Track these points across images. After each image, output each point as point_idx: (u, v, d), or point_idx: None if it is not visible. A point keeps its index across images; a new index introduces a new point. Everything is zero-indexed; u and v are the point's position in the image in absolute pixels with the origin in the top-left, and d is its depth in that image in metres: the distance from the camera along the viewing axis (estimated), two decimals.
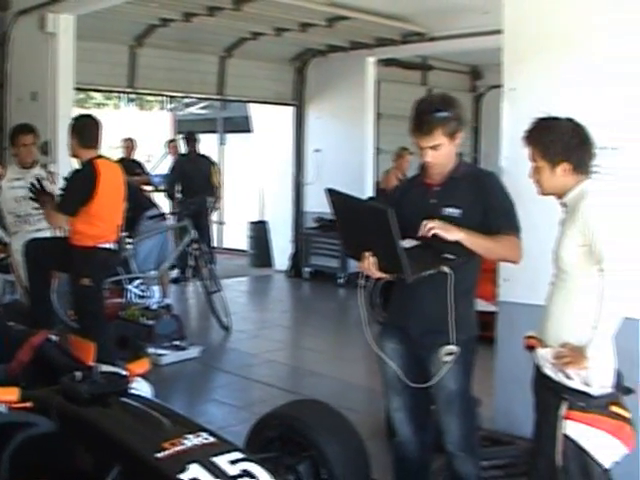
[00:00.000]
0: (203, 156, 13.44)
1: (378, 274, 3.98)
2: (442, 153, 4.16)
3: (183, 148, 13.51)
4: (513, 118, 5.54)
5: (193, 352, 8.61)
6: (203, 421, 4.46)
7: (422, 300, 4.18)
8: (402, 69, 14.65)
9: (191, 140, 13.31)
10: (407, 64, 14.69)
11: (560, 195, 3.81)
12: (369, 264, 3.93)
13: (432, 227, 3.95)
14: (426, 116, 4.10)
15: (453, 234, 3.97)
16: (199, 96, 15.53)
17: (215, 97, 14.19)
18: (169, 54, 12.30)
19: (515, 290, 5.63)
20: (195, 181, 12.75)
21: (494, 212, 4.16)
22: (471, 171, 4.38)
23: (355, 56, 13.14)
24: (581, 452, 3.60)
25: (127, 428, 3.69)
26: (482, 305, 6.71)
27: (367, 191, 12.82)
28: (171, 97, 17.71)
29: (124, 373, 4.11)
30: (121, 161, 11.91)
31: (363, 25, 11.57)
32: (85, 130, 6.82)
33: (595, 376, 3.62)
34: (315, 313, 11.89)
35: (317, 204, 12.83)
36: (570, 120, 3.81)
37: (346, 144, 13.31)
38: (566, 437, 3.62)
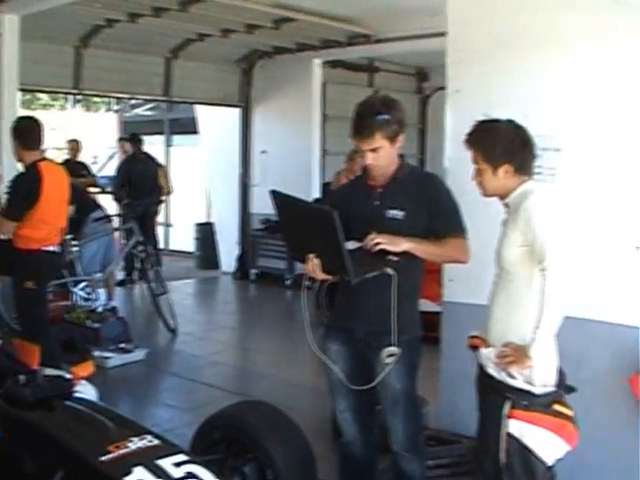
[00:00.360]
0: (150, 158, 13.37)
1: (322, 276, 3.98)
2: (382, 156, 4.16)
3: (128, 149, 13.41)
4: (457, 120, 5.55)
5: (139, 355, 8.57)
6: (149, 424, 4.44)
7: (366, 301, 4.19)
8: (348, 71, 14.65)
9: (135, 141, 13.23)
10: (353, 66, 14.69)
11: (503, 196, 3.84)
12: (313, 266, 3.93)
13: (378, 242, 3.97)
14: (366, 119, 4.10)
15: (400, 246, 4.00)
16: (145, 97, 15.40)
17: (161, 98, 14.09)
18: (115, 55, 12.18)
19: (460, 290, 5.67)
20: (143, 183, 12.68)
21: (440, 215, 4.20)
22: (414, 173, 4.40)
23: (301, 57, 13.16)
24: (524, 450, 3.64)
25: (71, 432, 3.67)
26: (428, 305, 6.78)
27: (314, 192, 12.80)
28: (117, 98, 17.56)
29: (68, 376, 4.09)
30: (66, 163, 11.87)
31: (309, 27, 11.58)
32: (26, 132, 6.75)
33: (538, 375, 3.65)
34: (262, 315, 11.87)
35: (263, 205, 12.75)
36: (511, 122, 3.85)
37: (292, 145, 13.32)
38: (509, 435, 3.65)
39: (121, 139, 14.62)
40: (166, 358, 9.13)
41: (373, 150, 4.14)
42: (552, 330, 3.56)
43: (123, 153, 13.73)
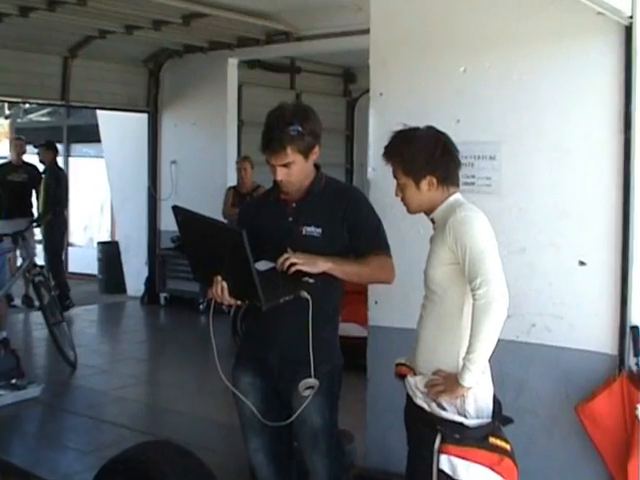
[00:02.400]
0: (61, 169, 13.34)
1: (230, 300, 3.92)
2: (295, 171, 4.13)
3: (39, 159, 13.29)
4: (380, 126, 5.54)
5: (33, 391, 8.42)
6: (45, 469, 4.40)
7: (280, 328, 4.16)
8: (267, 71, 14.72)
9: (50, 151, 13.13)
10: (273, 66, 14.77)
11: (429, 211, 3.87)
12: (220, 289, 3.88)
13: (293, 263, 3.94)
14: (276, 132, 4.05)
15: (319, 266, 3.98)
16: (40, 101, 15.17)
17: (58, 103, 13.88)
18: (4, 54, 11.97)
19: (386, 313, 5.68)
20: (66, 197, 12.76)
21: (360, 231, 4.19)
22: (332, 185, 4.36)
23: (215, 57, 13.13)
24: None
25: None
26: (356, 330, 6.81)
27: None
28: (8, 102, 17.32)
29: None
30: None
31: (223, 23, 11.54)
32: None
33: (470, 405, 3.68)
34: (173, 343, 11.81)
35: (174, 222, 12.68)
36: (430, 129, 3.88)
37: (206, 155, 13.29)
38: (441, 472, 3.65)
39: (36, 145, 14.44)
40: (64, 395, 9.00)
41: (285, 165, 4.10)
42: (485, 355, 3.58)
43: (19, 153, 13.45)
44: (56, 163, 13.46)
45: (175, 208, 3.99)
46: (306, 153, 4.12)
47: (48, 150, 13.24)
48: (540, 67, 5.08)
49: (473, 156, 5.07)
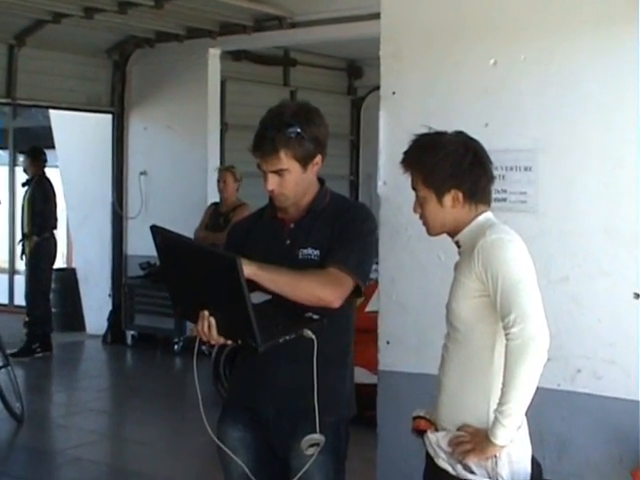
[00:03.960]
0: (49, 181, 13.42)
1: (219, 339, 3.89)
2: (289, 182, 4.12)
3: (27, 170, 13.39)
4: (393, 131, 5.57)
5: None
6: None
7: (276, 372, 4.16)
8: (256, 64, 14.78)
9: (37, 161, 13.16)
10: (263, 58, 14.82)
11: (453, 232, 3.87)
12: (207, 326, 3.84)
13: None
14: (270, 131, 4.06)
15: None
16: None
17: (2, 100, 13.83)
18: None
19: (400, 355, 5.66)
20: (47, 215, 12.97)
21: (334, 243, 4.13)
22: (336, 203, 4.34)
23: (193, 47, 13.19)
24: None
25: None
26: (365, 376, 6.81)
27: None
28: None
29: None
30: None
31: (203, 6, 11.60)
32: None
33: (504, 468, 3.67)
34: (141, 392, 11.77)
35: (144, 245, 12.57)
36: (460, 134, 3.88)
37: (182, 164, 13.35)
38: None
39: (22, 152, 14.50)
40: (7, 455, 8.99)
41: (277, 173, 4.10)
42: (521, 407, 3.57)
43: None
44: (44, 174, 13.42)
45: (154, 228, 3.96)
46: (304, 162, 4.12)
47: (35, 161, 13.30)
48: (585, 60, 5.09)
49: (504, 167, 5.07)
